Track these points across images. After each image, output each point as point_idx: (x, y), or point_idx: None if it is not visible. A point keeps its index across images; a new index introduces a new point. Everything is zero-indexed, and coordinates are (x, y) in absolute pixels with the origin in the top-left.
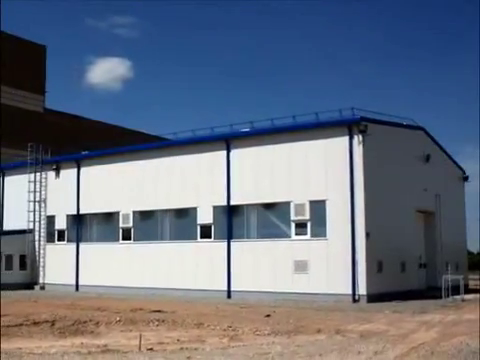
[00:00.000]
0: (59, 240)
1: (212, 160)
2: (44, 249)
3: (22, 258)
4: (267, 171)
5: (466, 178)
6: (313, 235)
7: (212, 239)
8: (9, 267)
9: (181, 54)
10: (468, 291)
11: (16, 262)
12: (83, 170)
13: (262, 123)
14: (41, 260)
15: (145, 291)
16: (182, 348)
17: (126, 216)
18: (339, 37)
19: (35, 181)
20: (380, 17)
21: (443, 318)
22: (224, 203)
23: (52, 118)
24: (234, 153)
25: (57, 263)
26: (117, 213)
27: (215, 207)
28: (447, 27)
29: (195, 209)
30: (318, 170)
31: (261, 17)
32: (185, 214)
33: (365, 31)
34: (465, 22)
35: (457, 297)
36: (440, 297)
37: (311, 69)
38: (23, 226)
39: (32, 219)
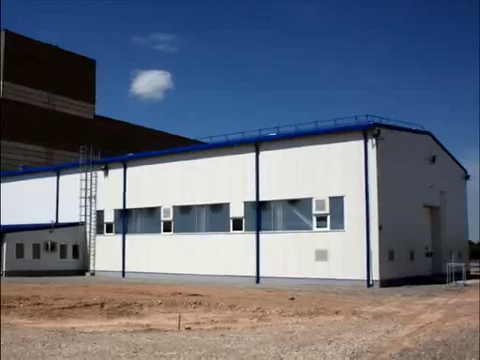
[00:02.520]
0: (107, 232)
1: (243, 161)
2: (94, 240)
3: (75, 248)
4: (292, 171)
5: (467, 177)
6: (332, 227)
7: (243, 231)
8: (63, 256)
9: (215, 67)
10: (469, 277)
11: (69, 251)
12: (129, 170)
13: (287, 128)
14: (91, 249)
15: (183, 277)
16: (216, 327)
17: (167, 210)
18: (355, 52)
19: (86, 179)
20: (391, 33)
21: (447, 301)
22: (253, 199)
23: (101, 124)
24: (262, 155)
25: (106, 252)
26: (159, 208)
27: (245, 202)
28: (451, 43)
29: (228, 204)
30: (337, 170)
31: (286, 36)
32: (219, 209)
33: (378, 46)
34: (467, 40)
35: (460, 282)
36: (445, 282)
37: (330, 81)
38: (76, 219)
39: (84, 213)
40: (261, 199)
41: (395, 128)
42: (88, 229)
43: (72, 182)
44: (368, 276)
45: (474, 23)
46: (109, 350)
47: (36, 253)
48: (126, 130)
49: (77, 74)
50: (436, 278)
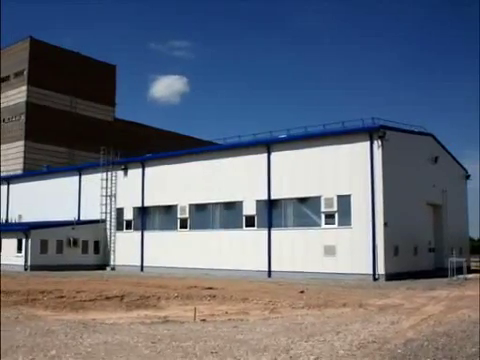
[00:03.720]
0: (127, 228)
1: (255, 161)
2: (114, 236)
3: (96, 244)
4: (301, 171)
5: (468, 176)
6: (340, 224)
7: (255, 228)
8: (85, 251)
9: (229, 72)
10: (470, 271)
11: (91, 247)
12: (147, 170)
13: (297, 130)
14: (112, 245)
15: (199, 271)
16: (230, 319)
17: (183, 208)
18: (362, 58)
19: (107, 179)
20: (396, 41)
21: (449, 294)
22: (265, 197)
23: (121, 126)
24: (274, 155)
25: (125, 248)
26: (175, 206)
27: (258, 201)
28: (451, 51)
29: (241, 202)
30: (344, 170)
31: (296, 43)
32: (232, 206)
33: (383, 52)
34: (467, 48)
35: (461, 276)
36: (446, 276)
37: (338, 85)
38: (97, 217)
39: (104, 211)
40: (272, 197)
41: (399, 130)
42: (108, 226)
43: (93, 181)
44: (374, 270)
45: (474, 31)
46: (128, 340)
47: (59, 248)
48: (144, 132)
49: (98, 79)
50: (438, 272)
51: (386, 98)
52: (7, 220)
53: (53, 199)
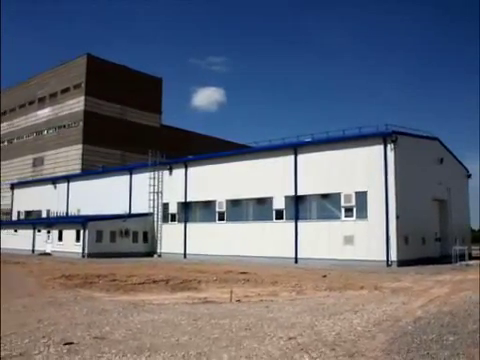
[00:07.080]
0: (172, 221)
1: (284, 162)
2: (161, 227)
3: (145, 234)
4: (324, 170)
5: (469, 175)
6: (357, 217)
7: (284, 220)
8: (135, 241)
9: (260, 84)
10: (471, 258)
11: (140, 237)
12: (189, 169)
13: (320, 135)
14: (158, 235)
15: (234, 258)
16: (262, 300)
17: (221, 203)
18: (377, 72)
19: (154, 177)
20: (407, 57)
21: (453, 278)
22: (292, 193)
23: (166, 131)
24: (300, 157)
25: (170, 238)
26: (214, 201)
27: (286, 197)
28: (456, 64)
29: (271, 198)
30: (361, 169)
31: (320, 59)
32: (264, 202)
33: (395, 67)
34: (468, 62)
35: (463, 263)
36: (451, 263)
37: (356, 95)
38: (145, 210)
39: (152, 205)
40: (299, 194)
41: (409, 135)
42: (155, 218)
43: (142, 180)
44: (387, 257)
45: (474, 46)
46: (173, 319)
47: (112, 238)
48: (187, 136)
49: (146, 90)
50: (443, 259)
51: (398, 107)
52: (67, 213)
53: (107, 195)
